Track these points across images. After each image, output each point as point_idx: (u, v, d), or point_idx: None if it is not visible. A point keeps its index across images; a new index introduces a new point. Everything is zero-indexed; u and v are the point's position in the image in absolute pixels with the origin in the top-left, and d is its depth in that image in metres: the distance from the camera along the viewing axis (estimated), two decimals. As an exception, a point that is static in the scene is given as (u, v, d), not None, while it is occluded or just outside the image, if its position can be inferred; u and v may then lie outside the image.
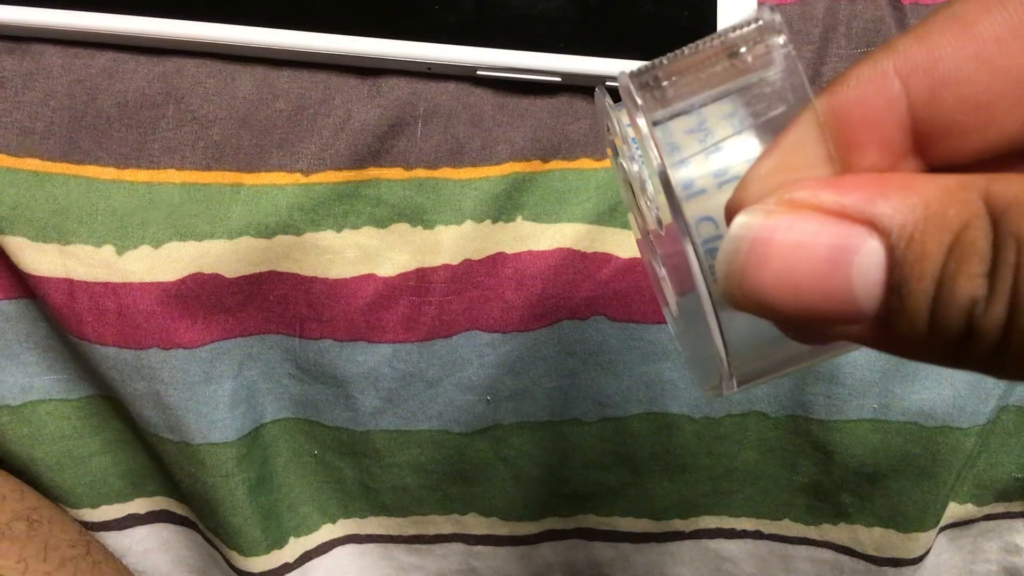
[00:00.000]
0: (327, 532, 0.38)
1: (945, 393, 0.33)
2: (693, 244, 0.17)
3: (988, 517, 0.38)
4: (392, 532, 0.38)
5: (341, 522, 0.38)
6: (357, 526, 0.38)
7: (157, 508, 0.38)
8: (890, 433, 0.34)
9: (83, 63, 0.32)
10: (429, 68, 0.32)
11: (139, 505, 0.38)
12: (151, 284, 0.31)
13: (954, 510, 0.37)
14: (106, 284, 0.31)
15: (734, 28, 0.17)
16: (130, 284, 0.31)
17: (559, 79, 0.32)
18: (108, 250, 0.31)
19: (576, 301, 0.33)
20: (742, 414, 0.35)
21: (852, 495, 0.36)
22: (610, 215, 0.32)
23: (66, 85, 0.32)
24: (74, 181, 0.31)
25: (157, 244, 0.31)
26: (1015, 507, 0.38)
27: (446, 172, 0.32)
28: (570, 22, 0.32)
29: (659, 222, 0.19)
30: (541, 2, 0.32)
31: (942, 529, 0.38)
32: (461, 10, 0.32)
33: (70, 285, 0.31)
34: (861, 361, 0.33)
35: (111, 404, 0.35)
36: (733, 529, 0.38)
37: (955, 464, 0.35)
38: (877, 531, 0.37)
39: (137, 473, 0.37)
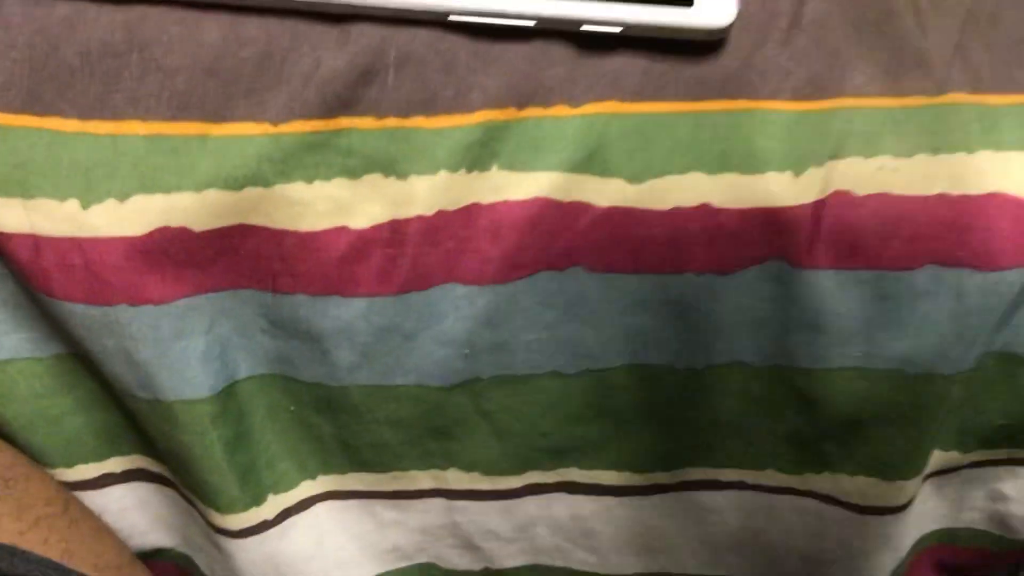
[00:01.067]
0: (307, 488, 0.38)
1: (930, 340, 0.33)
2: None
3: (973, 464, 0.38)
4: (372, 488, 0.38)
5: (321, 478, 0.38)
6: (337, 482, 0.38)
7: (133, 466, 0.38)
8: (874, 381, 0.34)
9: (44, 12, 0.31)
10: (399, 14, 0.31)
11: (115, 464, 0.38)
12: (118, 239, 0.31)
13: (939, 457, 0.37)
14: (72, 239, 0.31)
15: None
16: (96, 239, 0.31)
17: (533, 23, 0.31)
18: (73, 204, 0.30)
19: (554, 252, 0.32)
20: (725, 364, 0.34)
21: (836, 444, 0.36)
22: (587, 163, 0.31)
23: (27, 35, 0.31)
24: (36, 134, 0.30)
25: (123, 197, 0.30)
26: (999, 454, 0.38)
27: (419, 121, 0.31)
28: (544, -36, 0.31)
29: None
30: (514, -57, 0.31)
31: (927, 477, 0.38)
32: (432, -48, 0.31)
33: (35, 241, 0.31)
34: (844, 309, 0.33)
35: (82, 362, 0.35)
36: (717, 480, 0.38)
37: (939, 411, 0.34)
38: (861, 479, 0.36)
39: (112, 431, 0.37)
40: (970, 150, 0.31)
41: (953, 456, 0.37)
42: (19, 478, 0.34)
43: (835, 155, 0.31)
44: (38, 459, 0.36)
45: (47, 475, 0.36)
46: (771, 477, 0.37)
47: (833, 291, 0.32)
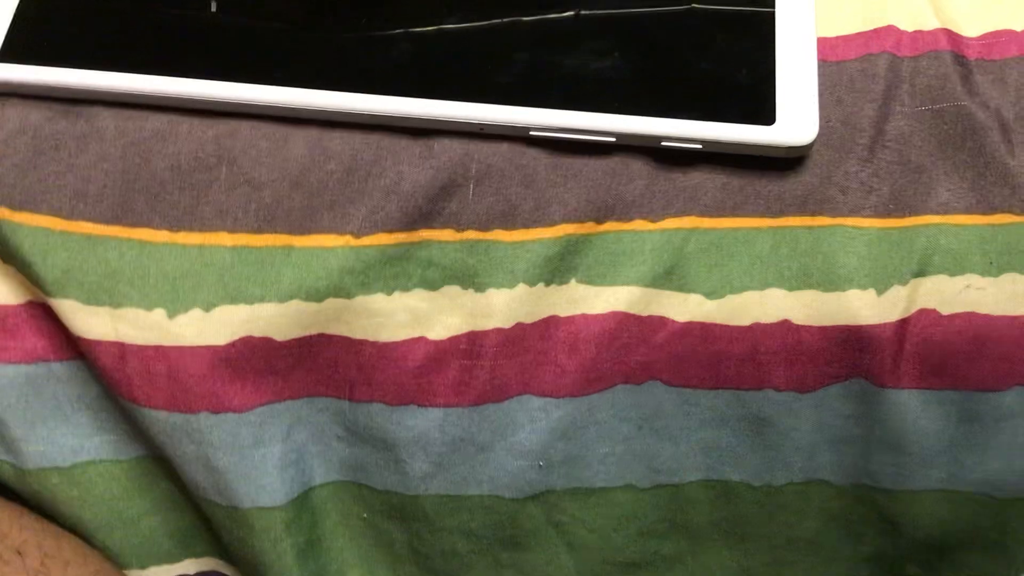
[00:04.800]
0: (376, 596, 0.38)
1: (1016, 464, 0.32)
2: None
3: (1064, 590, 0.37)
4: (442, 597, 0.37)
5: (390, 586, 0.38)
6: (407, 590, 0.38)
7: (207, 569, 0.38)
8: (959, 504, 0.33)
9: (136, 125, 0.32)
10: (481, 129, 0.32)
11: (188, 566, 0.38)
12: (202, 348, 0.31)
13: (1026, 583, 0.36)
14: (157, 347, 0.31)
15: None
16: (181, 347, 0.31)
17: (613, 139, 0.31)
18: (159, 313, 0.31)
19: (631, 365, 0.32)
20: (804, 482, 0.34)
21: (919, 567, 0.35)
22: (666, 278, 0.31)
23: (119, 148, 0.32)
24: (126, 244, 0.31)
25: (208, 307, 0.31)
26: (1092, 580, 0.36)
27: (498, 234, 0.31)
28: (624, 81, 0.32)
29: None
30: (594, 61, 0.32)
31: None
32: (514, 70, 0.32)
33: (121, 348, 0.31)
34: (929, 429, 0.32)
35: (160, 465, 0.35)
36: None
37: (1028, 537, 0.33)
38: (946, 604, 0.35)
39: (186, 533, 0.37)
40: None
41: (1043, 581, 0.36)
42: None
43: (920, 273, 0.31)
44: (114, 561, 0.36)
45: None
46: None
47: (917, 411, 0.32)
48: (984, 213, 0.31)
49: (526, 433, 0.33)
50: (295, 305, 0.31)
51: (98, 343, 0.31)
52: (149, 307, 0.31)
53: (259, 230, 0.31)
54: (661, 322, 0.32)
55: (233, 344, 0.31)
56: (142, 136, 0.32)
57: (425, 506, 0.34)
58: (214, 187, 0.32)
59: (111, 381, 0.32)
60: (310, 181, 0.32)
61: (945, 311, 0.31)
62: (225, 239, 0.31)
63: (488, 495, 0.34)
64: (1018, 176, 0.31)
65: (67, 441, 0.34)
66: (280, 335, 0.31)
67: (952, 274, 0.31)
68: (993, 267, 0.31)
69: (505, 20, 0.32)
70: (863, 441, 0.33)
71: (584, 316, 0.32)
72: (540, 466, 0.33)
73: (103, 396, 0.34)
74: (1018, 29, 0.33)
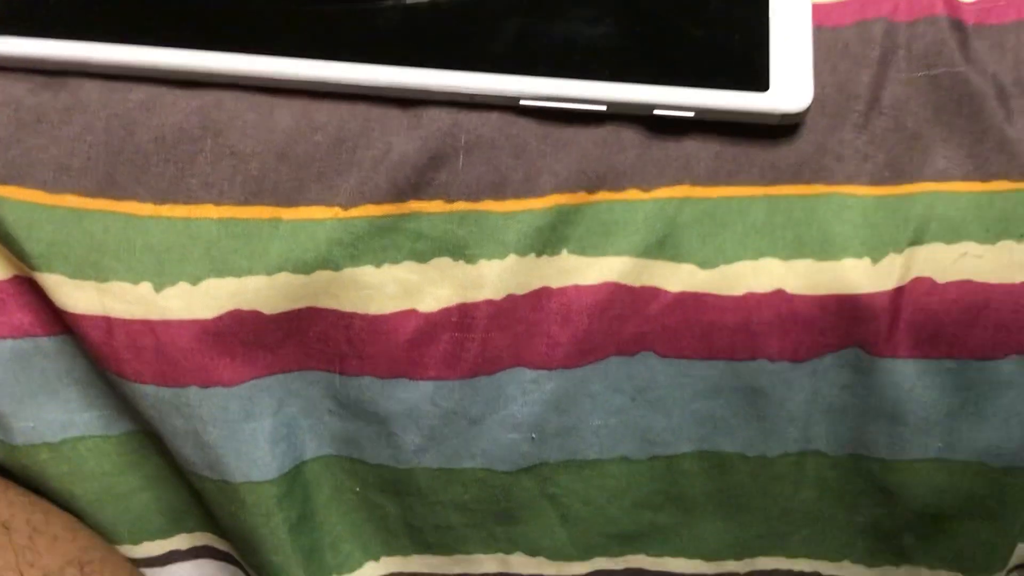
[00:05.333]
0: (370, 570, 0.37)
1: (1014, 432, 0.32)
2: None
3: (1059, 558, 0.37)
4: (436, 570, 0.37)
5: (384, 560, 0.37)
6: (400, 564, 0.37)
7: (199, 544, 0.38)
8: (955, 473, 0.33)
9: (120, 97, 0.32)
10: (471, 98, 0.31)
11: (181, 541, 0.37)
12: (189, 321, 0.31)
13: (1022, 551, 0.36)
14: (144, 321, 0.31)
15: None
16: (168, 321, 0.31)
17: (604, 108, 0.31)
18: (146, 287, 0.31)
19: (624, 337, 0.32)
20: (799, 453, 0.34)
21: (915, 537, 0.35)
22: (659, 248, 0.31)
23: (103, 120, 0.31)
24: (111, 217, 0.31)
25: (195, 281, 0.31)
26: (1088, 549, 0.36)
27: (488, 204, 0.31)
28: (615, 49, 0.31)
29: None
30: (586, 28, 0.31)
31: (1010, 571, 0.36)
32: (503, 39, 0.31)
33: (108, 323, 0.31)
34: (925, 399, 0.32)
35: (151, 440, 0.35)
36: (790, 571, 0.37)
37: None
38: (941, 573, 0.35)
39: (178, 509, 0.37)
40: None
41: (1039, 550, 0.36)
42: (95, 561, 0.34)
43: (915, 241, 0.31)
44: (105, 536, 0.36)
45: (120, 557, 0.36)
46: (847, 569, 0.36)
47: (913, 380, 0.31)
48: (981, 180, 0.31)
49: (519, 405, 0.32)
50: (283, 278, 0.31)
51: (84, 317, 0.31)
52: (135, 281, 0.31)
53: (246, 202, 0.31)
54: (654, 293, 0.31)
55: (221, 318, 0.31)
56: (126, 108, 0.31)
57: (418, 480, 0.34)
58: (199, 159, 0.31)
59: (98, 356, 0.32)
60: (297, 152, 0.31)
61: (941, 279, 0.31)
62: (211, 212, 0.31)
63: (481, 468, 0.34)
64: (1015, 142, 0.31)
65: (56, 417, 0.34)
66: (268, 308, 0.31)
67: (948, 242, 0.31)
68: (990, 234, 0.30)
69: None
70: (858, 411, 0.32)
71: (576, 287, 0.31)
72: (533, 438, 0.33)
73: (92, 371, 0.33)
74: (1016, -8, 0.32)
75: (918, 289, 0.30)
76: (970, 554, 0.34)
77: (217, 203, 0.31)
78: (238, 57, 0.31)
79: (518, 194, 0.31)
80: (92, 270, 0.31)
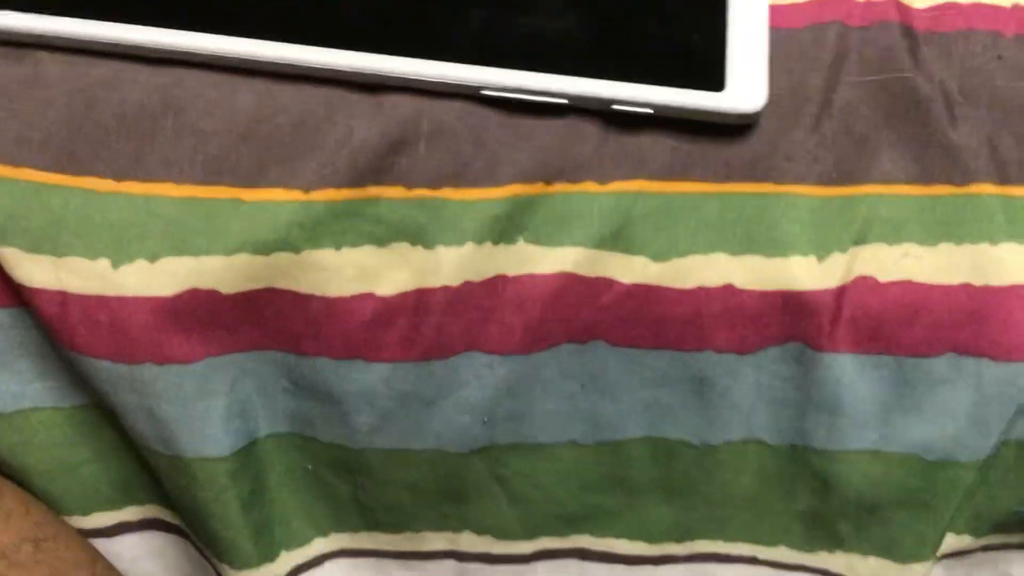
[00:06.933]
0: (319, 546, 0.38)
1: (947, 427, 0.33)
2: None
3: (985, 548, 0.38)
4: (385, 547, 0.38)
5: (334, 536, 0.38)
6: (350, 540, 0.38)
7: (149, 516, 0.38)
8: (890, 465, 0.34)
9: (82, 72, 0.32)
10: (433, 86, 0.31)
11: (130, 513, 0.38)
12: (146, 298, 0.31)
13: (951, 541, 0.37)
14: (100, 297, 0.31)
15: None
16: (124, 298, 0.31)
17: (565, 101, 0.31)
18: (103, 263, 0.31)
19: (577, 325, 0.33)
20: (742, 441, 0.35)
21: (850, 524, 0.36)
22: (613, 240, 0.32)
23: (64, 94, 0.31)
24: (70, 192, 0.31)
25: (153, 258, 0.31)
26: (1013, 539, 0.38)
27: (448, 192, 0.32)
28: (578, 43, 0.32)
29: None
30: (549, 22, 0.32)
31: (939, 559, 0.38)
32: (468, 28, 0.32)
33: (63, 297, 0.31)
34: (863, 392, 0.33)
35: (103, 413, 0.35)
36: (728, 554, 0.38)
37: (954, 498, 0.34)
38: (873, 560, 0.36)
39: (129, 481, 0.37)
40: (994, 241, 0.31)
41: (966, 540, 0.37)
42: (49, 538, 0.34)
43: (859, 241, 0.32)
44: (55, 507, 0.36)
45: (73, 531, 0.36)
46: (783, 554, 0.37)
47: (852, 375, 0.32)
48: (924, 184, 0.32)
49: (472, 389, 0.33)
50: (242, 258, 0.31)
51: (40, 291, 0.31)
52: (93, 256, 0.31)
53: (206, 181, 0.31)
54: (607, 283, 0.32)
55: (178, 296, 0.31)
56: (88, 83, 0.31)
57: (370, 459, 0.35)
58: (160, 137, 0.31)
59: (53, 330, 0.32)
60: (259, 133, 0.31)
61: (882, 278, 0.32)
62: (171, 190, 0.31)
63: (433, 449, 0.34)
64: (959, 148, 0.32)
65: (8, 387, 0.34)
66: (226, 288, 0.31)
67: (891, 243, 0.32)
68: (930, 237, 0.32)
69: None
70: (799, 402, 0.33)
71: (531, 276, 0.32)
72: (485, 422, 0.34)
73: (46, 344, 0.33)
74: (965, 2, 0.33)
75: (860, 287, 0.32)
76: (902, 542, 0.36)
77: (177, 182, 0.31)
78: (201, 36, 0.31)
79: (477, 183, 0.32)
80: (49, 244, 0.31)
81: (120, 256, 0.31)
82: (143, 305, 0.31)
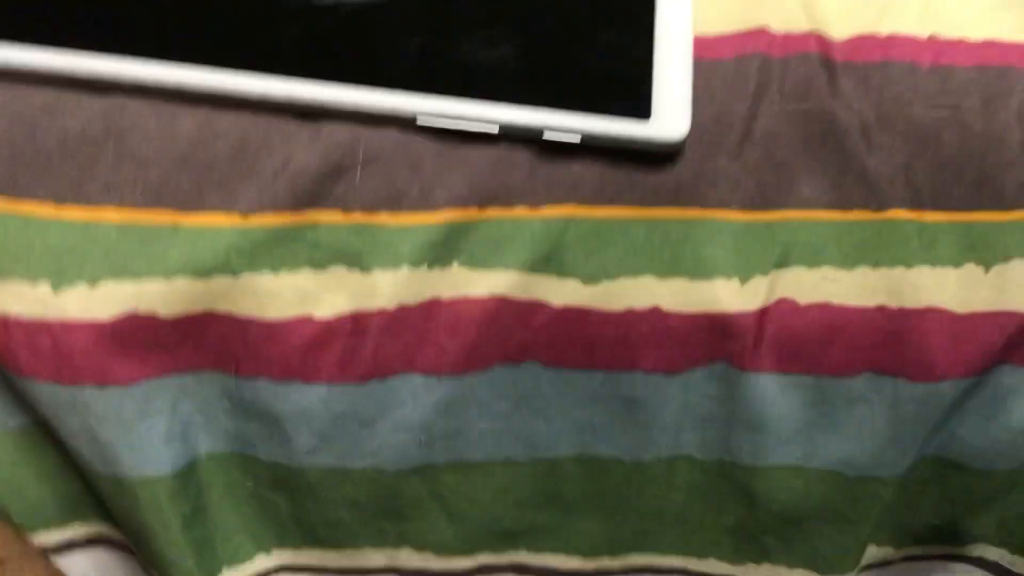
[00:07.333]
0: (261, 562, 0.39)
1: (866, 444, 0.34)
2: None
3: (907, 558, 0.39)
4: (326, 564, 0.39)
5: (276, 552, 0.39)
6: (291, 556, 0.39)
7: (95, 533, 0.38)
8: (812, 480, 0.35)
9: (23, 99, 0.32)
10: (370, 114, 0.32)
11: (76, 530, 0.38)
12: (87, 323, 0.31)
13: (874, 552, 0.39)
14: (41, 321, 0.31)
15: None
16: (65, 322, 0.31)
17: (496, 129, 0.32)
18: (44, 287, 0.31)
19: (510, 347, 0.33)
20: (671, 458, 0.36)
21: (775, 537, 0.37)
22: (544, 264, 0.33)
23: (5, 121, 0.32)
24: (11, 218, 0.31)
25: (93, 282, 0.31)
26: (933, 550, 0.39)
27: (384, 217, 0.32)
28: (511, 73, 0.33)
29: None
30: (482, 52, 0.33)
31: (862, 570, 0.39)
32: (404, 57, 0.32)
33: (5, 322, 0.31)
34: (785, 411, 0.34)
35: (46, 433, 0.35)
36: (661, 567, 0.39)
37: (874, 511, 0.36)
38: (799, 572, 0.38)
39: (74, 499, 0.37)
40: (908, 265, 0.33)
41: (888, 551, 0.39)
42: (13, 557, 0.34)
43: (780, 264, 0.33)
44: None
45: (36, 551, 0.36)
46: (712, 566, 0.39)
47: (775, 394, 0.34)
48: (842, 209, 0.33)
49: (409, 409, 0.34)
50: (181, 282, 0.32)
51: None
52: (34, 281, 0.31)
53: (146, 206, 0.32)
54: (539, 306, 0.33)
55: (118, 319, 0.32)
56: (29, 110, 0.32)
57: (309, 478, 0.35)
58: (101, 163, 0.32)
59: (-5, 353, 0.32)
60: (198, 159, 0.32)
61: (802, 300, 0.33)
62: (111, 215, 0.32)
63: (371, 468, 0.35)
64: (875, 176, 0.33)
65: (-48, 410, 0.34)
66: (165, 311, 0.32)
67: (810, 266, 0.33)
68: (848, 260, 0.33)
69: (395, 5, 0.33)
70: (725, 420, 0.35)
71: (465, 299, 0.33)
72: (422, 441, 0.35)
73: (-12, 367, 0.34)
74: (883, 34, 0.35)
75: (781, 309, 0.33)
76: (825, 555, 0.37)
77: (117, 207, 0.32)
78: (141, 64, 0.32)
79: (413, 208, 0.33)
80: None
81: (60, 280, 0.31)
82: (84, 329, 0.31)
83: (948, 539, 0.38)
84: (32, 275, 0.31)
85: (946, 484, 0.36)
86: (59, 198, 0.32)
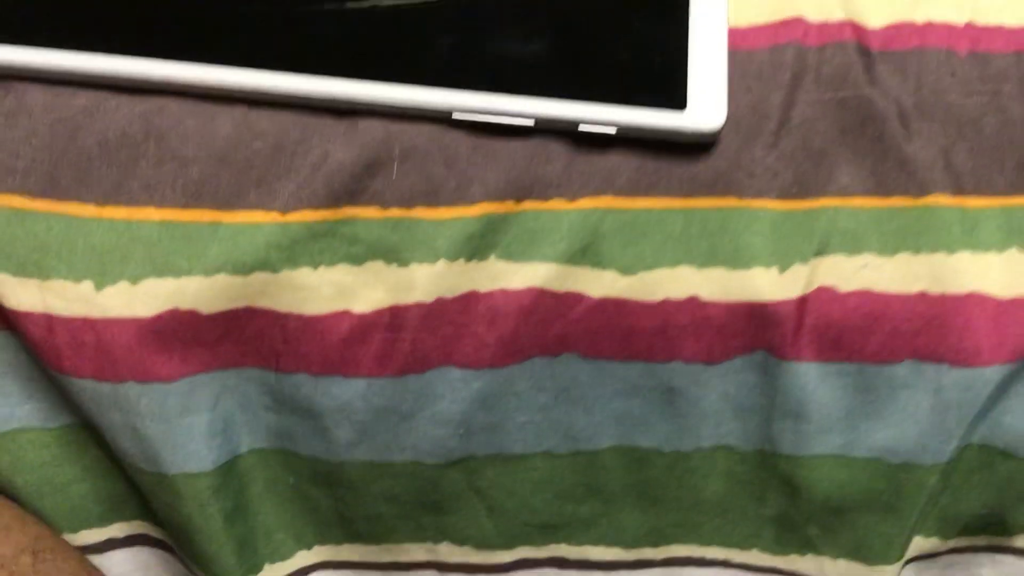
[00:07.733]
0: (302, 558, 0.39)
1: (909, 431, 0.34)
2: None
3: (953, 551, 0.39)
4: (367, 559, 0.39)
5: (316, 548, 0.39)
6: (332, 552, 0.39)
7: (136, 532, 0.39)
8: (855, 469, 0.35)
9: (65, 102, 0.33)
10: (405, 111, 0.32)
11: (118, 529, 0.39)
12: (129, 319, 0.32)
13: (920, 543, 0.38)
14: (85, 319, 0.32)
15: None
16: (108, 319, 0.32)
17: (532, 122, 0.32)
18: (87, 286, 0.32)
19: (548, 339, 0.33)
20: (711, 448, 0.36)
21: (819, 528, 0.37)
22: (582, 255, 0.33)
23: (48, 124, 0.32)
24: (54, 218, 0.32)
25: (135, 280, 0.32)
26: (980, 541, 0.39)
27: (421, 212, 0.33)
28: (545, 66, 0.33)
29: None
30: (516, 47, 0.33)
31: (908, 562, 0.39)
32: (438, 53, 0.33)
33: (49, 320, 0.32)
34: (826, 399, 0.34)
35: (89, 432, 0.36)
36: (703, 558, 0.39)
37: (919, 500, 0.35)
38: (843, 563, 0.37)
39: (116, 498, 0.38)
40: (950, 250, 0.33)
41: (934, 542, 0.38)
42: (46, 550, 0.35)
43: (820, 252, 0.33)
44: (46, 524, 0.37)
45: (69, 544, 0.37)
46: (756, 557, 0.38)
47: (816, 382, 0.33)
48: (881, 196, 0.33)
49: (447, 403, 0.34)
50: (221, 279, 0.32)
51: (27, 315, 0.32)
52: (77, 279, 0.32)
53: (186, 205, 0.32)
54: (577, 297, 0.33)
55: (160, 316, 0.32)
56: (70, 112, 0.32)
57: (350, 472, 0.36)
58: (141, 163, 0.32)
59: (40, 352, 0.32)
60: (237, 158, 0.32)
61: (843, 288, 0.33)
62: (152, 214, 0.32)
63: (411, 461, 0.35)
64: (914, 162, 0.33)
65: (-2, 410, 0.35)
66: (206, 308, 0.32)
67: (850, 254, 0.33)
68: (888, 247, 0.33)
69: (429, 7, 0.33)
70: (765, 409, 0.34)
71: (503, 291, 0.33)
72: (461, 434, 0.35)
73: (32, 366, 0.34)
74: (919, 21, 0.34)
75: (821, 297, 0.33)
76: (869, 544, 0.37)
77: (158, 206, 0.32)
78: (180, 65, 0.32)
79: (449, 202, 0.33)
80: (35, 269, 0.32)
81: (103, 279, 0.32)
82: (126, 326, 0.32)
83: (995, 530, 0.38)
84: (75, 274, 0.32)
85: (992, 472, 0.36)
86: (101, 198, 0.32)
